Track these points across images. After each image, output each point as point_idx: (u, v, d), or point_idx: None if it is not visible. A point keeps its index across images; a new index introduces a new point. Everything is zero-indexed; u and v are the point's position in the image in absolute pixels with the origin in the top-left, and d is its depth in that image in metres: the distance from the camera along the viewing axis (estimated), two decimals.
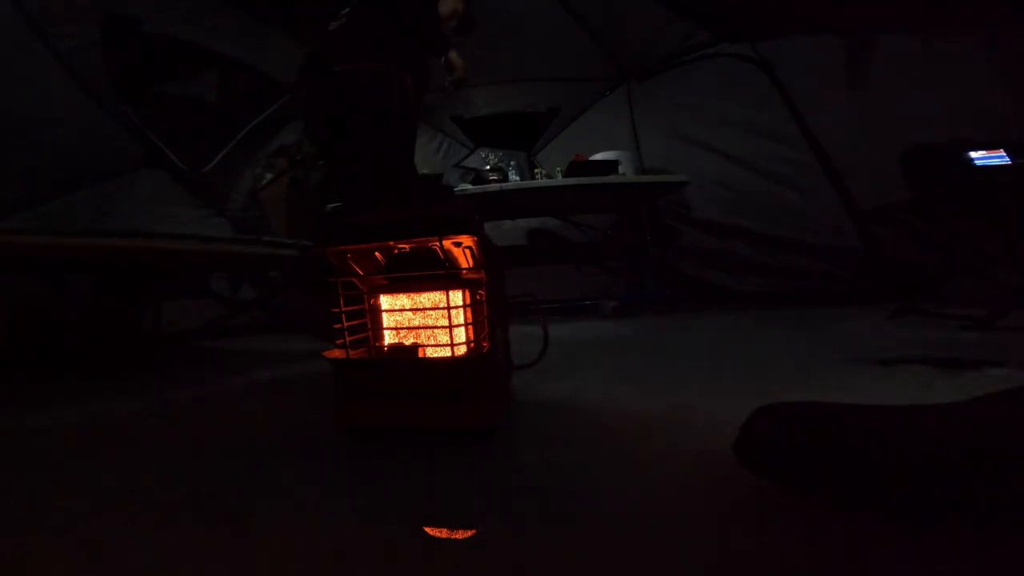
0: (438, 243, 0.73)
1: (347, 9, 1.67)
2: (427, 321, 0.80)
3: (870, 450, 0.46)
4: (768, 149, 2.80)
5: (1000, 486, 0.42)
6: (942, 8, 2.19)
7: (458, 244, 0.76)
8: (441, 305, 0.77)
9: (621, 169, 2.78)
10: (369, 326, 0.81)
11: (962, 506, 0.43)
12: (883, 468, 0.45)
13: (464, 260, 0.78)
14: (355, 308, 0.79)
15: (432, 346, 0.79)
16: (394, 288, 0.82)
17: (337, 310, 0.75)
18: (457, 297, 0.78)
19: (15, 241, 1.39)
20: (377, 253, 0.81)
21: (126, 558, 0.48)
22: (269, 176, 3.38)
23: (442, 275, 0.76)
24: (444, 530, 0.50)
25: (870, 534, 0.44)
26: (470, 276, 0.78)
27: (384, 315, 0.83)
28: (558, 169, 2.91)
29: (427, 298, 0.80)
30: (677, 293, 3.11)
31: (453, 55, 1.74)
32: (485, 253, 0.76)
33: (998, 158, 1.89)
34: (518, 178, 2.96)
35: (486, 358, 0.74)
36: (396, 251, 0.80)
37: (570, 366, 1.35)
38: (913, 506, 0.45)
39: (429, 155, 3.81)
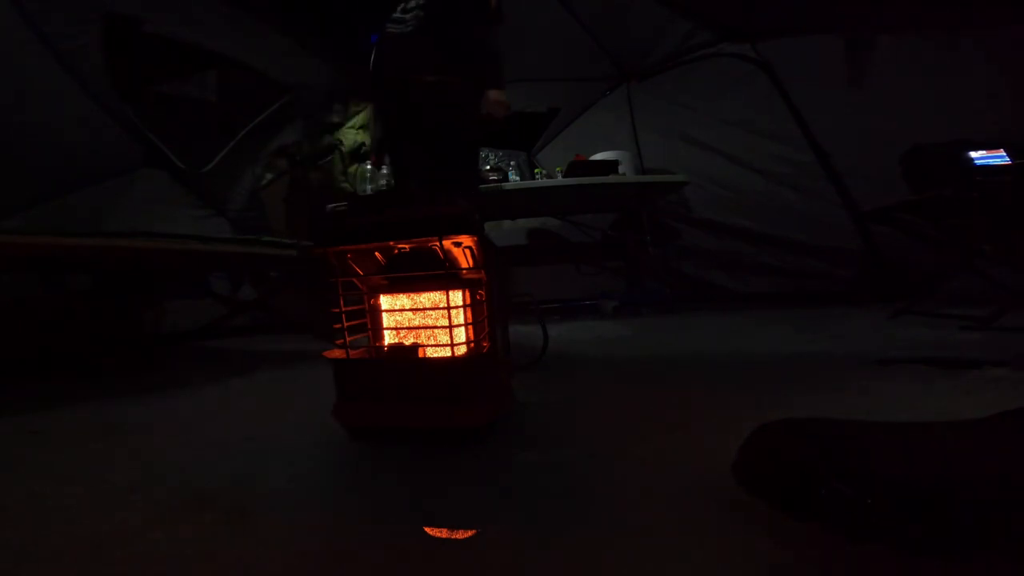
0: (438, 243, 0.73)
1: (412, 14, 1.62)
2: (427, 321, 0.80)
3: (881, 475, 0.42)
4: (768, 149, 2.80)
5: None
6: (942, 9, 2.19)
7: (458, 244, 0.76)
8: (441, 305, 0.77)
9: (621, 169, 2.78)
10: (369, 326, 0.81)
11: (990, 536, 0.38)
12: (898, 494, 0.40)
13: (464, 260, 0.78)
14: (355, 308, 0.79)
15: (432, 346, 0.79)
16: (394, 288, 0.82)
17: (337, 310, 0.75)
18: (457, 297, 0.78)
19: (15, 241, 1.39)
20: (377, 253, 0.81)
21: (127, 558, 0.48)
22: (269, 176, 3.38)
23: (442, 275, 0.76)
24: (444, 530, 0.50)
25: (881, 566, 0.40)
26: (470, 276, 0.78)
27: (384, 315, 0.83)
28: (558, 169, 2.91)
29: (427, 298, 0.80)
30: (677, 293, 3.11)
31: (496, 92, 1.65)
32: (485, 253, 0.77)
33: (998, 158, 1.89)
34: (518, 178, 2.96)
35: (486, 358, 0.74)
36: (396, 251, 0.80)
37: (570, 366, 1.35)
38: (935, 538, 0.39)
39: None
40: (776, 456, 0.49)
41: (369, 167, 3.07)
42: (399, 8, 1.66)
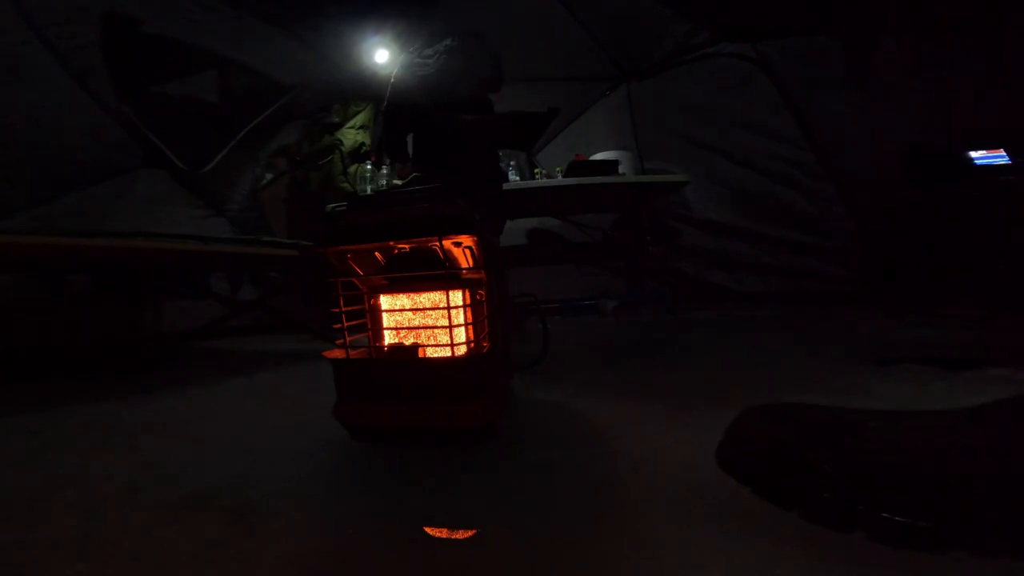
0: (438, 243, 0.73)
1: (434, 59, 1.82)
2: (427, 321, 0.80)
3: (867, 461, 0.41)
4: (768, 149, 2.79)
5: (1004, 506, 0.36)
6: (942, 8, 2.18)
7: (458, 244, 0.76)
8: (441, 305, 0.77)
9: (621, 169, 2.78)
10: (369, 326, 0.81)
11: (979, 525, 0.37)
12: (884, 481, 0.39)
13: (464, 260, 0.78)
14: (355, 308, 0.79)
15: (432, 346, 0.79)
16: (394, 288, 0.82)
17: (337, 310, 0.75)
18: (457, 297, 0.78)
19: (15, 241, 1.39)
20: (377, 253, 0.81)
21: (127, 559, 0.48)
22: (269, 176, 3.38)
23: (442, 275, 0.76)
24: (444, 530, 0.50)
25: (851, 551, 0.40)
26: (470, 276, 0.78)
27: (384, 315, 0.83)
28: (558, 169, 2.91)
29: (427, 298, 0.80)
30: (677, 293, 3.11)
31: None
32: (485, 253, 0.76)
33: (998, 158, 1.90)
34: (518, 178, 2.95)
35: (486, 358, 0.74)
36: (396, 251, 0.80)
37: (570, 366, 1.35)
38: (922, 528, 0.38)
39: None
40: (757, 440, 0.48)
41: (369, 167, 3.08)
42: (416, 53, 1.86)
